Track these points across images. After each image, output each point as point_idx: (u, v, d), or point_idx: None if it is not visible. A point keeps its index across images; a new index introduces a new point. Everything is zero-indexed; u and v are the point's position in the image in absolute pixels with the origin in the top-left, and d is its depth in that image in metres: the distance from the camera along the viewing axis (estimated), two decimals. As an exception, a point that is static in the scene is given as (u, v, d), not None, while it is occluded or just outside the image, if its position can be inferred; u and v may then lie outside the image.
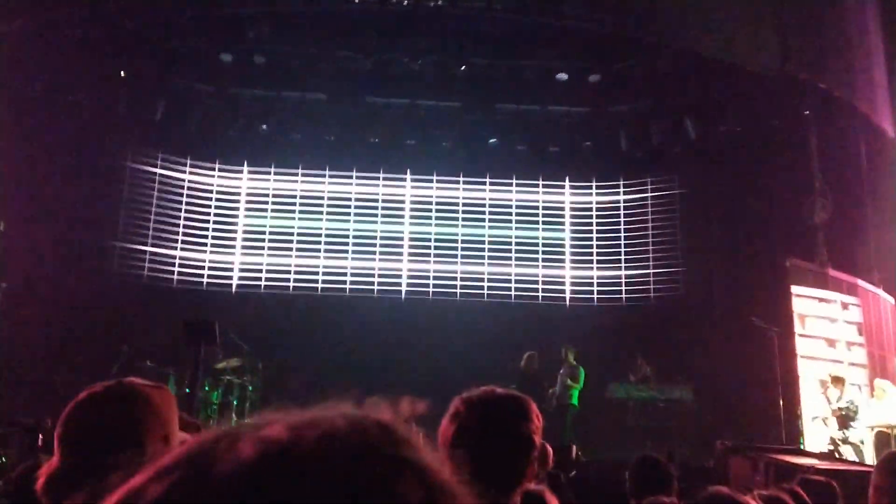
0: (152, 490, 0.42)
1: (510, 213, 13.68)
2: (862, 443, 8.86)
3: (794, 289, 9.73)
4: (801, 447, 8.55)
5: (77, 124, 11.76)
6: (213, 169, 13.31)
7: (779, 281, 10.00)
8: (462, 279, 13.24)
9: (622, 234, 13.38)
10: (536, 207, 13.72)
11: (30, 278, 10.83)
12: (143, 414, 1.33)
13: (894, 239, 11.38)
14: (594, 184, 13.62)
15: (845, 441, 8.88)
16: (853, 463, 7.38)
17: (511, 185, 13.70)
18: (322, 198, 13.50)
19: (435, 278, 13.30)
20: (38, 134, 11.30)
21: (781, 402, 9.39)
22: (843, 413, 8.97)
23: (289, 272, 13.17)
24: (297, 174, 13.47)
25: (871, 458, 8.35)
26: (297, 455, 0.42)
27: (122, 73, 11.83)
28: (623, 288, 13.17)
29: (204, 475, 0.42)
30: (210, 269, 13.07)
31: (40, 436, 6.61)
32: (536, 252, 13.56)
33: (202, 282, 12.95)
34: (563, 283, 13.49)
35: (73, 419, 1.31)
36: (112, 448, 1.25)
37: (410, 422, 0.51)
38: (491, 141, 13.28)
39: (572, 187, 13.73)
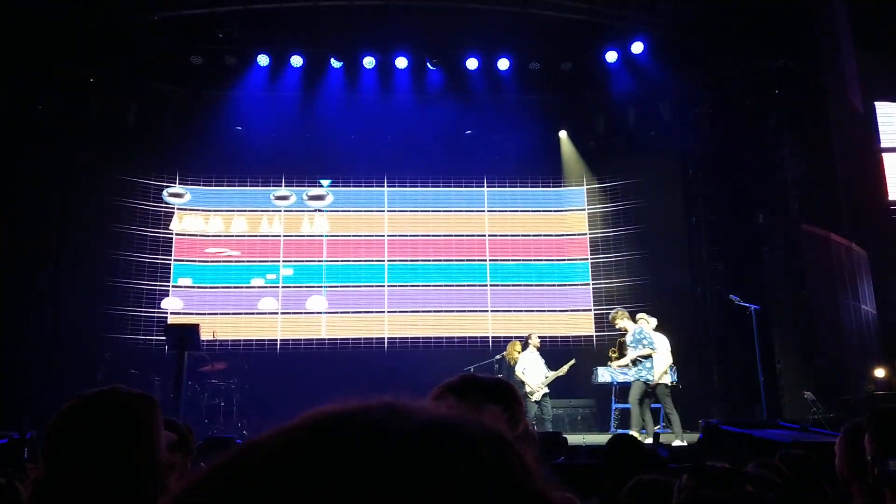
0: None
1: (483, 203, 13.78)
2: None
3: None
4: (782, 421, 8.67)
5: (46, 130, 11.53)
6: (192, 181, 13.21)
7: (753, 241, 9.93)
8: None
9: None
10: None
11: (11, 285, 10.70)
12: (126, 422, 1.33)
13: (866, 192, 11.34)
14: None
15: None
16: (832, 435, 7.50)
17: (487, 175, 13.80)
18: (301, 197, 13.47)
19: (419, 262, 13.38)
20: (6, 141, 11.09)
21: (761, 378, 9.50)
22: None
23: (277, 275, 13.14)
24: (269, 179, 13.43)
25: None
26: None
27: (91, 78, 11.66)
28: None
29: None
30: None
31: (26, 448, 6.56)
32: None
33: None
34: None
35: (57, 430, 1.31)
36: (96, 458, 1.27)
37: None
38: (467, 132, 13.30)
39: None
